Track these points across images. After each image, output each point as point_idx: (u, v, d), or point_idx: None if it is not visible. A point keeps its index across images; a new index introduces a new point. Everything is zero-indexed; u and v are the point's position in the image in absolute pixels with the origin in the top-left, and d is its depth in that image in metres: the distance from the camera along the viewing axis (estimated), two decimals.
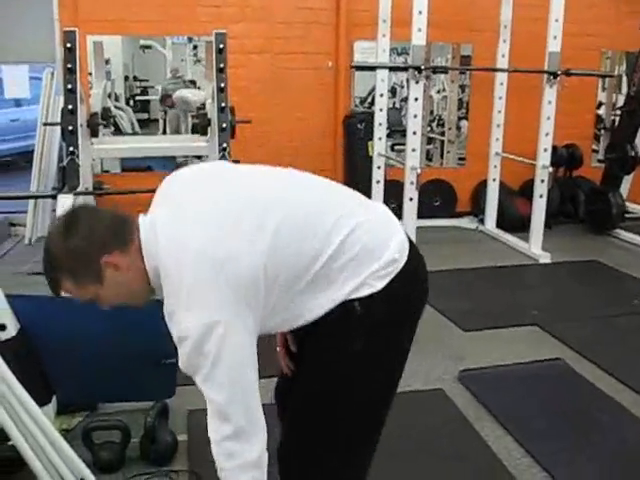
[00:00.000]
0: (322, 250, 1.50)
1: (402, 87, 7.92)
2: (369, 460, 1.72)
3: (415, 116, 5.13)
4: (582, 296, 4.71)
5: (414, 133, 5.16)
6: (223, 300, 1.42)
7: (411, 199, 5.20)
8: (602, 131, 7.57)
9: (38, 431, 2.43)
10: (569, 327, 4.04)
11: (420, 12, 4.88)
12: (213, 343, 1.42)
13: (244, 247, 1.44)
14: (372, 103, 6.64)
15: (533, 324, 4.08)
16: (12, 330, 2.51)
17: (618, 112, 7.33)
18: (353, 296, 1.53)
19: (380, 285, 1.54)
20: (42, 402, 2.53)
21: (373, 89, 6.53)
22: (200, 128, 5.52)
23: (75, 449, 2.54)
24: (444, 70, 7.31)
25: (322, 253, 1.50)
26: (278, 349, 1.87)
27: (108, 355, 2.69)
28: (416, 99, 5.13)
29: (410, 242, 1.67)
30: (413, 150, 5.17)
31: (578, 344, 3.77)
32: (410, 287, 1.63)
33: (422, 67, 5.02)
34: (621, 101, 7.44)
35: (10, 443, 2.41)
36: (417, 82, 5.07)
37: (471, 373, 3.39)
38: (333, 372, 1.59)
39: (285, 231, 1.49)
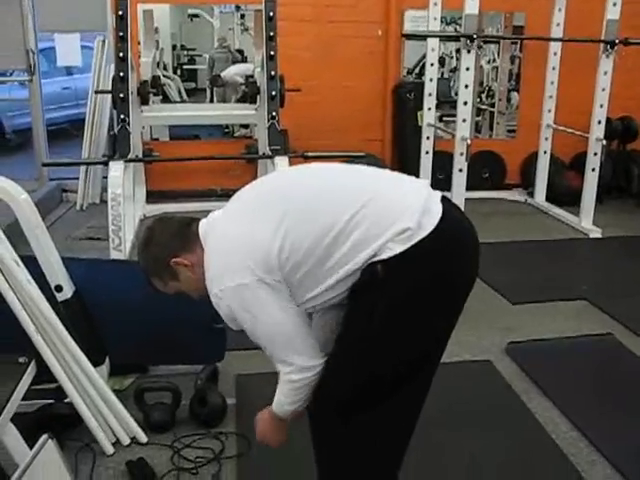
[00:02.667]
0: (334, 223, 1.60)
1: (451, 57, 7.76)
2: (400, 447, 1.78)
3: (466, 86, 5.05)
4: (632, 272, 4.60)
5: (465, 103, 5.08)
6: (245, 268, 1.61)
7: (460, 170, 5.14)
8: None
9: (93, 390, 2.51)
10: (619, 302, 3.98)
11: None
12: (242, 305, 1.64)
13: (263, 230, 1.63)
14: (420, 73, 6.57)
15: (582, 298, 4.03)
16: (68, 292, 2.58)
17: None
18: (375, 259, 1.59)
19: (399, 249, 1.58)
20: (96, 363, 2.61)
21: (421, 59, 6.45)
22: (249, 96, 5.53)
23: (127, 409, 2.62)
24: (497, 40, 7.14)
25: (334, 226, 1.60)
26: None
27: (159, 318, 2.74)
28: (467, 69, 5.04)
29: (450, 214, 1.66)
30: (464, 120, 5.10)
31: (628, 319, 3.71)
32: (438, 258, 1.63)
33: (474, 36, 4.92)
34: None
35: (67, 400, 2.50)
36: (469, 51, 4.98)
37: (519, 346, 3.37)
38: (359, 339, 1.67)
39: (297, 215, 1.64)
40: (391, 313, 1.62)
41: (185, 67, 8.08)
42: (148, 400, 2.68)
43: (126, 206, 4.52)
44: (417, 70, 6.95)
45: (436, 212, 1.64)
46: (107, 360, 2.79)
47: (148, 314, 2.73)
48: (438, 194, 1.71)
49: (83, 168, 5.94)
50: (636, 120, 6.51)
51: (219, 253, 1.69)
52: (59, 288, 2.53)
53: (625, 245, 5.23)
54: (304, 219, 1.64)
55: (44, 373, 2.28)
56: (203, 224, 1.79)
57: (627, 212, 6.16)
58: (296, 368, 1.66)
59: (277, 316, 1.64)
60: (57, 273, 2.54)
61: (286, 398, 1.73)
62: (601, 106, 5.23)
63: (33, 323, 2.34)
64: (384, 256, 1.58)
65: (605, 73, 5.17)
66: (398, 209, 1.63)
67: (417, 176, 1.81)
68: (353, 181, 1.74)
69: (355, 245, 1.60)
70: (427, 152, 5.86)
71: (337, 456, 1.77)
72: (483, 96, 7.65)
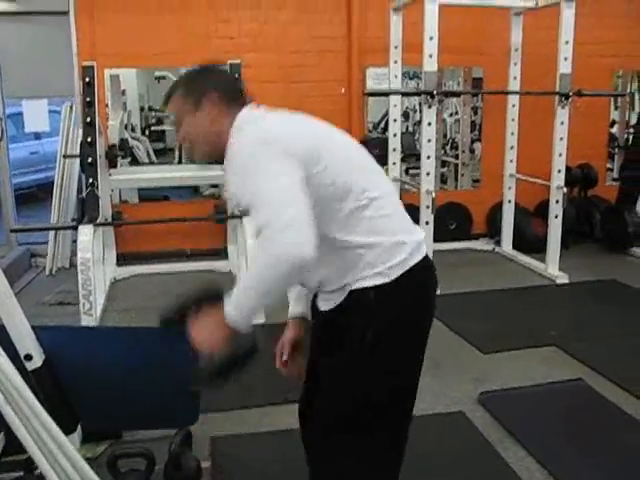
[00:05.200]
0: (351, 191, 1.72)
1: (415, 111, 7.96)
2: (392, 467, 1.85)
3: (429, 140, 5.16)
4: (600, 316, 4.70)
5: (428, 157, 5.18)
6: (279, 138, 1.69)
7: (427, 223, 5.21)
8: (616, 149, 7.57)
9: (65, 459, 2.47)
10: (588, 347, 4.04)
11: (431, 38, 4.93)
12: (260, 153, 1.64)
13: (315, 135, 1.82)
14: (385, 128, 6.70)
15: (552, 344, 4.08)
16: (38, 360, 2.55)
17: (631, 130, 7.37)
18: (367, 284, 1.71)
19: (394, 275, 1.72)
20: (68, 431, 2.57)
21: (386, 114, 6.59)
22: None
23: (101, 477, 2.58)
24: (456, 94, 7.35)
25: (350, 194, 1.71)
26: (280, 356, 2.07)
27: (132, 383, 2.72)
28: (429, 124, 5.16)
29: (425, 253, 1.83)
30: (427, 174, 5.20)
31: (598, 364, 3.77)
32: (422, 288, 1.81)
33: (434, 92, 5.07)
34: (634, 119, 7.47)
35: (38, 471, 2.46)
36: (430, 107, 5.12)
37: (491, 395, 3.40)
38: (350, 363, 1.76)
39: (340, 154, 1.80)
40: (381, 338, 1.72)
41: (153, 128, 8.18)
42: (122, 467, 2.64)
43: (96, 270, 4.52)
44: (383, 124, 7.11)
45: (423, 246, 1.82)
46: (79, 427, 2.75)
47: (120, 379, 2.71)
48: None
49: (52, 232, 5.93)
50: (595, 167, 6.70)
51: (258, 122, 1.77)
52: (29, 357, 2.51)
53: (591, 289, 5.33)
54: (350, 164, 1.80)
55: (14, 444, 2.25)
56: (250, 106, 1.88)
57: (591, 256, 6.29)
58: (287, 227, 1.50)
59: (287, 181, 1.59)
60: (26, 342, 2.52)
61: (250, 284, 1.60)
62: (560, 155, 5.38)
63: (2, 394, 2.32)
64: (378, 281, 1.71)
65: (562, 123, 5.34)
66: (409, 227, 1.82)
67: None
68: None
69: (370, 227, 1.72)
70: None
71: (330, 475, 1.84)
72: (447, 148, 7.84)
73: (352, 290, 1.74)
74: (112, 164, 5.49)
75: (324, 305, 1.86)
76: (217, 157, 1.86)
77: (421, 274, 1.78)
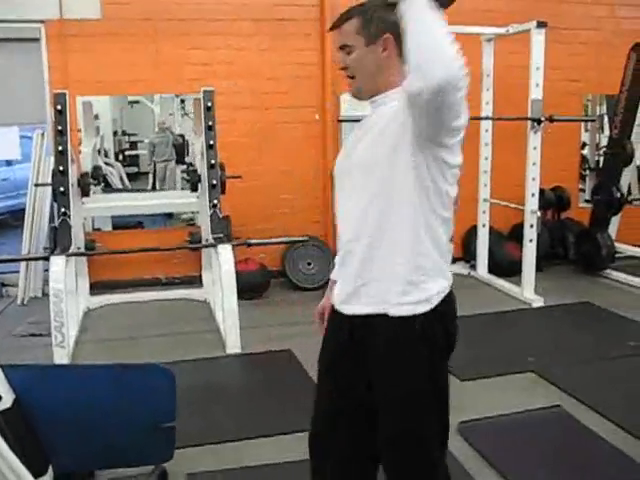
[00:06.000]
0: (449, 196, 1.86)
1: None
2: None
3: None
4: (577, 340, 4.71)
5: (533, 179, 5.43)
6: None
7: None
8: (587, 171, 7.65)
9: None
10: (566, 372, 4.04)
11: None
12: None
13: None
14: None
15: (530, 371, 4.07)
16: (7, 401, 2.49)
17: (602, 152, 7.46)
18: (415, 311, 1.81)
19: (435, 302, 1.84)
20: (38, 473, 2.50)
21: None
22: (190, 185, 5.56)
23: None
24: None
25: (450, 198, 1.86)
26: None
27: (105, 421, 2.67)
28: (534, 148, 5.39)
29: None
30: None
31: (576, 390, 3.76)
32: (454, 315, 1.97)
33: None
34: (604, 141, 7.56)
35: None
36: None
37: (470, 424, 3.37)
38: (412, 395, 1.86)
39: None
40: (433, 366, 1.87)
41: (127, 153, 8.11)
42: None
43: (69, 300, 4.44)
44: None
45: None
46: (50, 469, 2.68)
47: (92, 418, 2.65)
48: None
49: (24, 262, 5.83)
50: (567, 190, 6.77)
51: None
52: None
53: (567, 312, 5.35)
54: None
55: None
56: None
57: (566, 278, 6.34)
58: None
59: None
60: None
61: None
62: (533, 179, 5.43)
63: None
64: (422, 309, 1.81)
65: (534, 148, 5.39)
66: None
67: None
68: None
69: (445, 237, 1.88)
70: None
71: None
72: None
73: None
74: (85, 192, 5.42)
75: (366, 307, 1.87)
76: (372, 95, 1.86)
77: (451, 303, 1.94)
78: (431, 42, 1.50)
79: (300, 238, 5.22)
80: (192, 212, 6.44)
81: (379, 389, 1.89)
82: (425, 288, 1.81)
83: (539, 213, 5.50)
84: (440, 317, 1.85)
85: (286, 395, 3.83)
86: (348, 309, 1.90)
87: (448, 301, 1.88)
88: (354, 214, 1.84)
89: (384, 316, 1.81)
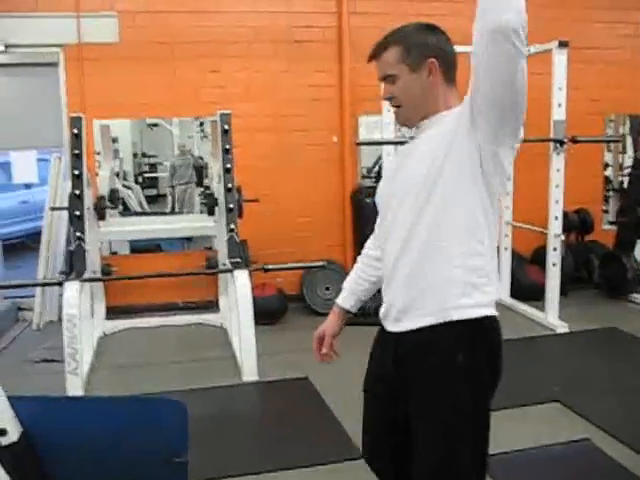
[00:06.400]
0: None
1: None
2: None
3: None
4: (603, 368, 4.57)
5: (557, 202, 5.34)
6: None
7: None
8: (611, 192, 7.52)
9: None
10: (593, 403, 3.90)
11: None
12: None
13: None
14: (379, 174, 6.63)
15: (555, 400, 3.93)
16: (14, 435, 2.40)
17: (625, 172, 7.32)
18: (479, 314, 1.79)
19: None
20: None
21: (379, 158, 6.54)
22: (207, 208, 5.51)
23: None
24: None
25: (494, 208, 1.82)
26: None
27: (115, 457, 2.57)
28: (558, 170, 5.29)
29: None
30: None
31: (604, 421, 3.62)
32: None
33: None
34: (627, 161, 7.43)
35: None
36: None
37: (496, 459, 3.19)
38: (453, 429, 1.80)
39: None
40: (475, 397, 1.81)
41: (146, 175, 8.11)
42: None
43: (83, 325, 4.38)
44: (377, 169, 7.06)
45: None
46: None
47: (101, 452, 2.56)
48: None
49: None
50: (591, 212, 6.64)
51: None
52: (3, 432, 2.37)
53: (592, 339, 5.20)
54: None
55: None
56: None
57: (591, 303, 6.18)
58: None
59: None
60: (1, 414, 2.38)
61: None
62: (556, 202, 5.31)
63: None
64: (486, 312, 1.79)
65: (558, 170, 5.28)
66: None
67: None
68: None
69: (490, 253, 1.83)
70: None
71: None
72: None
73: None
74: (101, 217, 5.39)
75: (408, 322, 1.84)
76: (420, 120, 1.86)
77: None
78: None
79: (318, 263, 5.12)
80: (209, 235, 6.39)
81: (419, 416, 1.85)
82: (486, 291, 1.80)
83: (563, 236, 5.37)
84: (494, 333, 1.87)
85: (304, 426, 3.73)
86: (398, 327, 1.86)
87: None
88: (400, 234, 1.82)
89: (444, 325, 1.77)
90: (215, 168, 5.88)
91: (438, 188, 1.74)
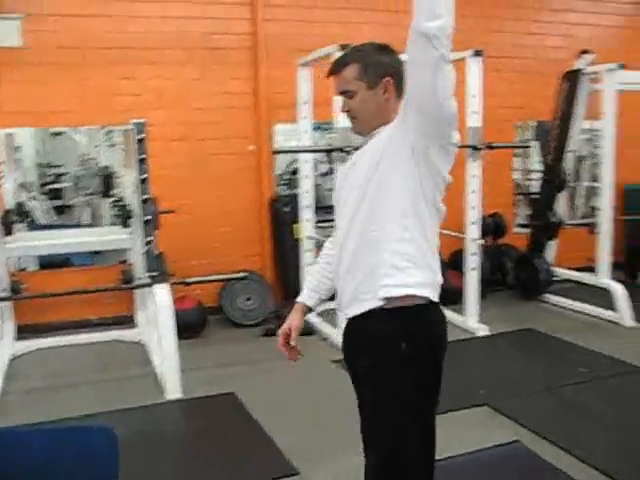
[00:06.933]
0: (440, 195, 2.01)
1: (322, 162, 7.89)
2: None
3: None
4: (525, 368, 4.68)
5: (473, 207, 5.41)
6: None
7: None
8: (519, 197, 7.73)
9: None
10: (519, 404, 3.98)
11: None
12: None
13: None
14: (294, 174, 6.60)
15: (483, 404, 3.98)
16: None
17: (532, 177, 7.56)
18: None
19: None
20: None
21: (291, 162, 6.52)
22: (121, 220, 5.31)
23: None
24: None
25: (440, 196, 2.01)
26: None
27: None
28: (474, 176, 5.37)
29: None
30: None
31: (532, 422, 3.69)
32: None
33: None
34: (533, 166, 7.69)
35: None
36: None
37: None
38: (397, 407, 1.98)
39: None
40: (418, 384, 1.97)
41: (51, 186, 7.77)
42: None
43: None
44: (291, 172, 7.03)
45: None
46: None
47: None
48: None
49: None
50: (504, 216, 6.81)
51: None
52: None
53: (512, 340, 5.33)
54: None
55: None
56: None
57: (507, 305, 6.36)
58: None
59: None
60: None
61: None
62: (473, 207, 5.40)
63: None
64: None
65: (474, 176, 5.37)
66: None
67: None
68: None
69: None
70: (308, 264, 5.81)
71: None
72: None
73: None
74: (8, 230, 5.10)
75: (353, 309, 2.00)
76: (372, 130, 2.01)
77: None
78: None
79: (240, 275, 5.04)
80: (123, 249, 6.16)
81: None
82: (412, 274, 1.92)
83: (482, 241, 5.47)
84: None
85: (234, 443, 3.62)
86: (347, 314, 2.04)
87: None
88: (343, 230, 2.01)
89: (384, 310, 1.93)
90: (128, 178, 5.66)
91: (373, 182, 1.91)
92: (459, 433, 3.63)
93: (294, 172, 6.62)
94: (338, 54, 4.76)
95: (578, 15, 7.26)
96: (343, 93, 2.01)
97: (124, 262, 5.95)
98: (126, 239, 5.32)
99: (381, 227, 1.91)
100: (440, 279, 2.00)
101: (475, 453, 3.39)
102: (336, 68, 2.01)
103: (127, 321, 5.73)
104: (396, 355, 1.91)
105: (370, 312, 1.94)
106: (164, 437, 3.75)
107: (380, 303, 1.92)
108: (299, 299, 2.24)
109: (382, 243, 1.90)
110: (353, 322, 2.03)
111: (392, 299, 1.90)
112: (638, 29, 7.60)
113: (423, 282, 1.93)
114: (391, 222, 1.90)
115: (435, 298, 1.97)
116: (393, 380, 1.94)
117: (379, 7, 6.35)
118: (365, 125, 2.02)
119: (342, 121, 4.94)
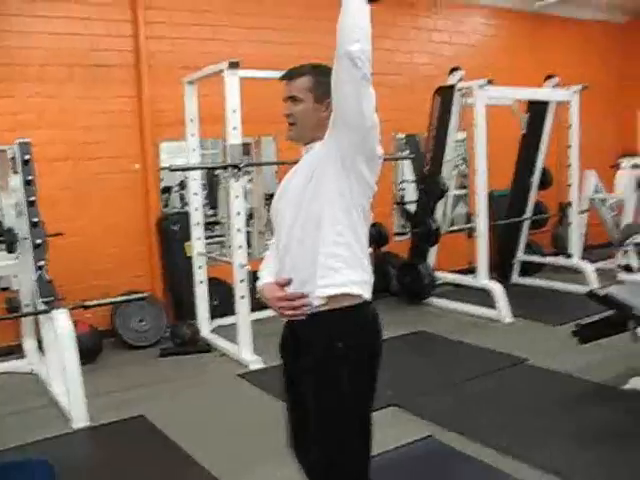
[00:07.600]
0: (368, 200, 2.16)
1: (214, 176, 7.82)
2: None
3: (238, 213, 5.08)
4: (424, 368, 4.94)
5: (238, 230, 5.10)
6: None
7: (242, 297, 5.12)
8: (394, 205, 8.05)
9: None
10: (426, 402, 4.19)
11: (234, 111, 4.92)
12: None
13: None
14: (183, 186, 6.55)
15: (392, 405, 4.13)
16: None
17: (402, 186, 7.93)
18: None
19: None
20: None
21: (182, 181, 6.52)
22: (7, 246, 5.05)
23: None
24: (264, 164, 7.17)
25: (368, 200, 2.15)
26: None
27: None
28: (237, 196, 5.08)
29: None
30: (240, 247, 5.11)
31: (439, 417, 3.91)
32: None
33: (240, 165, 5.01)
34: (403, 177, 8.06)
35: None
36: (237, 180, 5.06)
37: None
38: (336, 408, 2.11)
39: None
40: (353, 379, 2.09)
41: None
42: None
43: None
44: (175, 189, 7.01)
45: None
46: None
47: None
48: None
49: None
50: (385, 226, 7.09)
51: None
52: None
53: (407, 342, 5.56)
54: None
55: None
56: None
57: (394, 309, 6.64)
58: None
59: None
60: None
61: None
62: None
63: None
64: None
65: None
66: None
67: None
68: None
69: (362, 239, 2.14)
70: (201, 281, 5.79)
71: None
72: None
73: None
74: None
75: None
76: (307, 143, 2.17)
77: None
78: (350, 22, 1.86)
79: (140, 295, 4.94)
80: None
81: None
82: (343, 273, 2.05)
83: (370, 249, 5.63)
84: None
85: (153, 465, 3.56)
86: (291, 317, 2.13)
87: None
88: (285, 239, 2.13)
89: (323, 311, 2.07)
90: (8, 202, 5.38)
91: (308, 192, 2.06)
92: (373, 435, 3.74)
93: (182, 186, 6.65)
94: (228, 72, 4.84)
95: (443, 34, 7.74)
96: (291, 98, 2.14)
97: (6, 289, 5.67)
98: (12, 265, 5.06)
99: (317, 233, 2.04)
100: (372, 279, 2.14)
101: (392, 451, 3.51)
102: (291, 74, 2.16)
103: (13, 351, 5.44)
104: (333, 354, 2.04)
105: (310, 314, 2.07)
106: (76, 469, 3.54)
107: (317, 303, 2.05)
108: (264, 281, 2.23)
109: (318, 247, 2.04)
110: (293, 323, 2.15)
111: (329, 300, 2.05)
112: (498, 47, 8.20)
113: (357, 280, 2.07)
114: (325, 227, 2.04)
115: (368, 297, 2.11)
116: (331, 378, 2.06)
117: (260, 25, 6.46)
118: (301, 133, 2.17)
119: (233, 138, 4.99)
